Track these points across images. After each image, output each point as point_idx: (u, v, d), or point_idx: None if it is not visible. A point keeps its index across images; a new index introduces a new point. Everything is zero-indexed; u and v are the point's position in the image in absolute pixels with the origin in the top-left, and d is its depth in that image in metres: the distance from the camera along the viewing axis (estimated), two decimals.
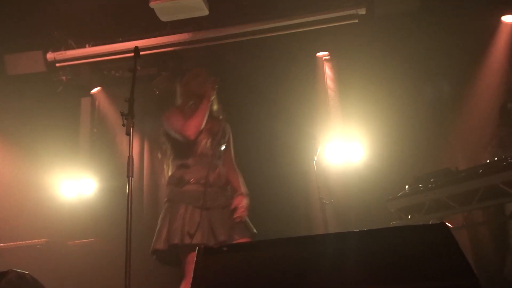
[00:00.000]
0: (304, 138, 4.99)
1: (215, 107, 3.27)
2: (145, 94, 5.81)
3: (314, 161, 4.71)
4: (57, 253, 4.96)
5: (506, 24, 5.23)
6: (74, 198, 5.68)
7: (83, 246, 5.10)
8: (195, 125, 3.02)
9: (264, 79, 5.56)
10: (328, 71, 5.78)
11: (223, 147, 3.24)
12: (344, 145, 5.28)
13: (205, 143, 3.08)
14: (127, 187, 2.59)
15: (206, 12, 4.85)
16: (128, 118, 2.70)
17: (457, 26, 5.07)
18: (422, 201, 3.83)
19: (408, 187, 4.07)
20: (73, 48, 5.69)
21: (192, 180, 2.98)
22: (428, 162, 4.71)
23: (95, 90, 6.19)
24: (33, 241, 4.94)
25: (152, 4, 4.58)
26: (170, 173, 3.13)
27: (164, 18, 4.88)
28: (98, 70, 6.08)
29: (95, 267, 4.79)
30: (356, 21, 5.24)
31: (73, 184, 5.69)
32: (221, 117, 3.32)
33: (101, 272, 4.69)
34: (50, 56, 5.64)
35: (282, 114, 5.42)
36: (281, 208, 5.07)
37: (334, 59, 5.77)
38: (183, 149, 3.09)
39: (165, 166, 3.20)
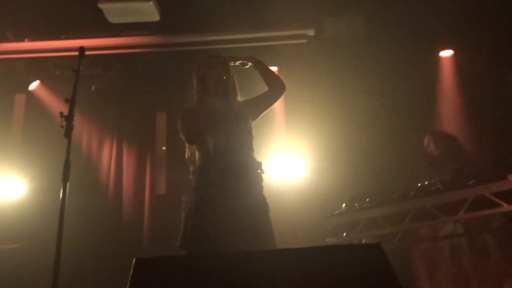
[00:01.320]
0: None
1: (222, 88, 2.64)
2: (85, 95, 5.60)
3: None
4: None
5: (443, 58, 5.64)
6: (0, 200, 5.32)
7: (7, 253, 4.77)
8: (193, 126, 2.55)
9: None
10: None
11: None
12: (286, 160, 5.38)
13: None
14: (61, 192, 2.46)
15: (157, 17, 4.78)
16: (68, 120, 2.58)
17: (398, 55, 5.36)
18: (358, 220, 3.98)
19: (345, 205, 4.21)
20: (10, 41, 5.37)
21: None
22: (366, 181, 4.89)
23: (33, 87, 5.86)
24: None
25: (100, 5, 4.44)
26: None
27: (112, 19, 4.74)
28: (37, 67, 5.77)
29: (19, 275, 4.49)
30: (305, 41, 5.39)
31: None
32: (238, 99, 2.75)
33: (25, 281, 4.40)
34: None
35: None
36: None
37: (281, 75, 5.86)
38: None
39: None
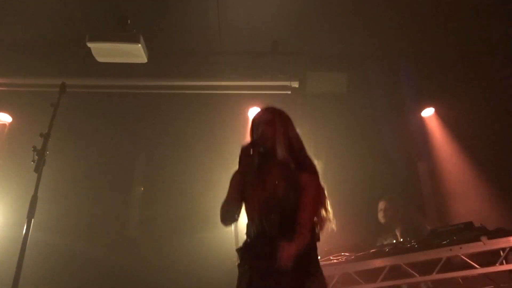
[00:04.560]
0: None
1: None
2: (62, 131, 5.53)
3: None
4: None
5: (425, 117, 5.78)
6: None
7: None
8: (221, 208, 2.46)
9: (192, 131, 5.59)
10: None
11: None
12: None
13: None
14: (24, 228, 2.38)
15: (145, 60, 4.85)
16: (40, 154, 2.54)
17: (379, 112, 5.50)
18: (332, 274, 3.90)
19: (320, 259, 4.13)
20: None
21: None
22: (343, 235, 4.83)
23: (7, 118, 5.75)
24: None
25: (89, 44, 4.50)
26: None
27: (100, 59, 4.80)
28: (15, 99, 5.69)
29: None
30: (289, 92, 5.50)
31: None
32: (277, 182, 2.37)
33: None
34: None
35: (207, 167, 5.40)
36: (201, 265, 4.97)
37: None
38: None
39: None
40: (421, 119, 5.79)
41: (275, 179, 2.35)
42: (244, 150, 2.39)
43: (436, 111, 5.71)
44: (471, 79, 5.33)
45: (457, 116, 5.43)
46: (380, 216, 4.71)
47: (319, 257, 4.14)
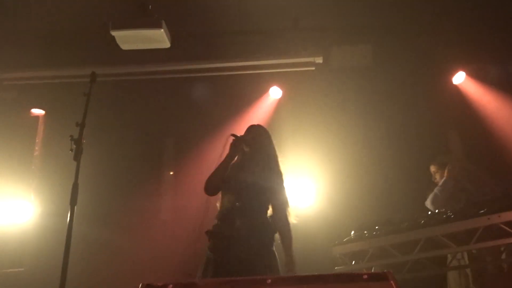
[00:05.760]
0: None
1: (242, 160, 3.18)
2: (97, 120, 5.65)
3: None
4: None
5: (455, 81, 5.59)
6: (6, 223, 5.30)
7: (9, 276, 4.72)
8: (208, 179, 3.07)
9: (219, 113, 5.61)
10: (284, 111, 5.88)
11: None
12: (293, 187, 5.33)
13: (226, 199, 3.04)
14: (68, 215, 2.46)
15: (167, 44, 4.85)
16: (77, 143, 2.61)
17: (408, 82, 5.38)
18: (366, 248, 3.91)
19: (353, 233, 4.14)
20: (24, 68, 5.48)
21: None
22: (375, 209, 4.83)
23: (40, 111, 5.92)
24: None
25: (113, 32, 4.53)
26: None
27: (124, 46, 4.82)
28: (48, 92, 5.84)
29: None
30: (313, 68, 5.44)
31: (7, 208, 5.33)
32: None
33: None
34: None
35: None
36: None
37: (289, 100, 5.89)
38: None
39: None
40: (453, 86, 5.60)
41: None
42: (235, 143, 3.09)
43: (468, 76, 5.52)
44: (501, 39, 5.13)
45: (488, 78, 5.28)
46: (433, 179, 4.59)
47: (352, 232, 4.18)
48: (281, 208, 3.06)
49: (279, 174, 3.15)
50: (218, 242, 2.88)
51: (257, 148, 3.17)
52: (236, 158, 3.16)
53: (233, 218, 2.91)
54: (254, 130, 3.29)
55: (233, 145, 3.09)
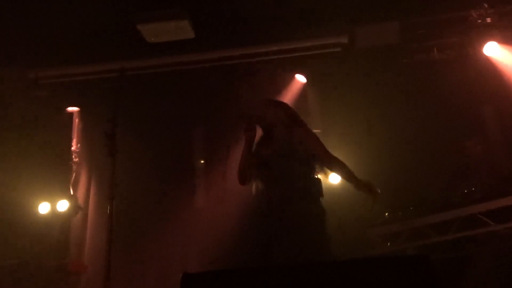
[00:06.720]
0: None
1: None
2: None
3: None
4: (28, 274, 4.77)
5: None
6: (50, 217, 5.52)
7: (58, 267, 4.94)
8: (237, 172, 3.09)
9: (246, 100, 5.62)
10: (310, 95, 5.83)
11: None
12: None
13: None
14: (108, 208, 2.55)
15: (192, 35, 4.90)
16: (111, 139, 2.68)
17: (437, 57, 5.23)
18: (401, 229, 3.88)
19: (387, 214, 4.11)
20: (56, 66, 5.63)
21: None
22: (409, 189, 4.75)
23: (74, 108, 6.09)
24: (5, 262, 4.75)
25: (139, 26, 4.61)
26: None
27: (150, 39, 4.90)
28: (80, 88, 6.00)
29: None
30: (339, 49, 5.35)
31: (49, 203, 5.55)
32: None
33: None
34: (32, 73, 5.57)
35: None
36: None
37: (314, 84, 5.83)
38: None
39: None
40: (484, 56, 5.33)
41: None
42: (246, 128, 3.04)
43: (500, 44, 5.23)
44: None
45: None
46: (468, 153, 4.59)
47: (386, 213, 4.14)
48: (320, 153, 3.07)
49: (301, 124, 3.13)
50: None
51: (269, 120, 3.11)
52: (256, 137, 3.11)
53: (268, 195, 2.91)
54: (261, 105, 3.23)
55: (245, 129, 3.06)
